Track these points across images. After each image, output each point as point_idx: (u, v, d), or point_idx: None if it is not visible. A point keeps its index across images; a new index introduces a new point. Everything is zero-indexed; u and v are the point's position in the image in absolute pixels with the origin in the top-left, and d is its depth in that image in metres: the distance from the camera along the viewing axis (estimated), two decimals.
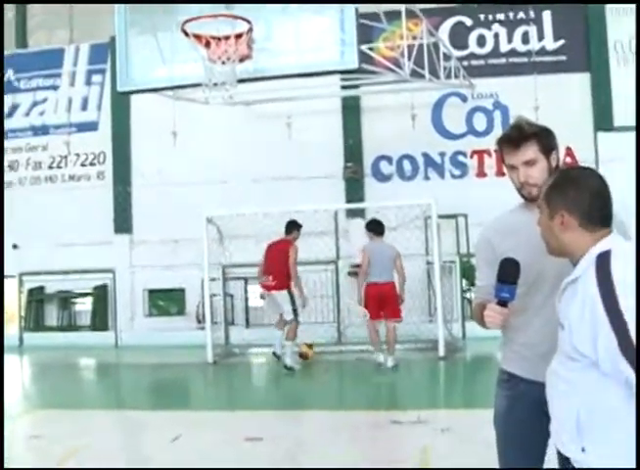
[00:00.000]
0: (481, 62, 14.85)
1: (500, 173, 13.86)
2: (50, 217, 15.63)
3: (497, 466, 3.23)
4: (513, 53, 14.74)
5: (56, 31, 16.82)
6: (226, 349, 12.99)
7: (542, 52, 14.61)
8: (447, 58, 13.17)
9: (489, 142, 13.43)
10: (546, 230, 2.65)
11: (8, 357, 12.06)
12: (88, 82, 16.34)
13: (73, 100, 16.30)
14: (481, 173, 14.77)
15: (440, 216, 12.08)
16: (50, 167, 16.27)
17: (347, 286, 13.69)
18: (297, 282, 11.14)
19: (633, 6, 13.91)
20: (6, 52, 16.25)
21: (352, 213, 14.48)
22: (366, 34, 11.29)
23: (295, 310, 11.00)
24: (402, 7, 11.30)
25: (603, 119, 14.36)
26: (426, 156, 15.02)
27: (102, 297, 15.58)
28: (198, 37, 9.87)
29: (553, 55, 14.64)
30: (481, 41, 14.91)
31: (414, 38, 12.01)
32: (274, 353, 11.24)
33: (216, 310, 13.07)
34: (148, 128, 15.45)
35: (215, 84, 10.19)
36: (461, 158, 14.93)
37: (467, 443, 6.38)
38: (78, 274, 14.94)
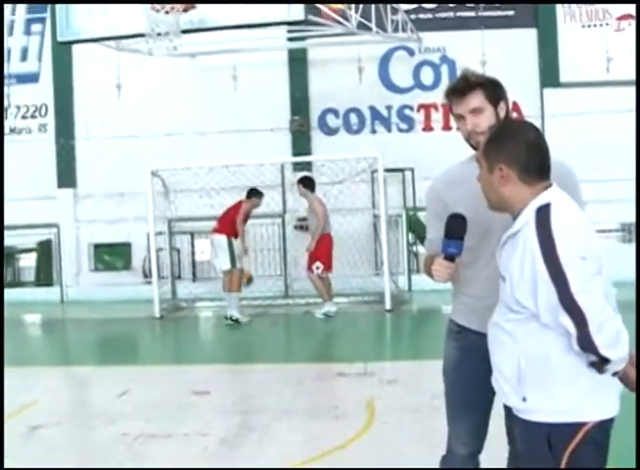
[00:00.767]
0: (429, 15, 14.75)
1: (447, 128, 13.95)
2: None
3: (444, 416, 3.29)
4: (461, 7, 14.64)
5: None
6: (173, 303, 12.97)
7: (490, 7, 14.54)
8: (395, 11, 13.10)
9: (436, 96, 13.47)
10: (486, 185, 2.65)
11: None
12: (27, 32, 15.84)
13: (12, 50, 15.80)
14: (428, 127, 14.81)
15: (387, 170, 12.14)
16: None
17: (294, 239, 13.72)
18: (242, 234, 11.03)
19: None
20: None
21: (299, 167, 14.40)
22: None
23: (232, 259, 10.92)
24: None
25: (549, 76, 14.44)
26: (373, 109, 14.99)
27: (46, 252, 15.29)
28: None
29: (501, 10, 14.60)
30: None
31: None
32: (228, 317, 10.88)
33: (163, 265, 13.02)
34: (91, 80, 15.10)
35: (159, 34, 10.01)
36: (408, 112, 14.93)
37: (413, 393, 6.49)
38: (21, 230, 14.64)
